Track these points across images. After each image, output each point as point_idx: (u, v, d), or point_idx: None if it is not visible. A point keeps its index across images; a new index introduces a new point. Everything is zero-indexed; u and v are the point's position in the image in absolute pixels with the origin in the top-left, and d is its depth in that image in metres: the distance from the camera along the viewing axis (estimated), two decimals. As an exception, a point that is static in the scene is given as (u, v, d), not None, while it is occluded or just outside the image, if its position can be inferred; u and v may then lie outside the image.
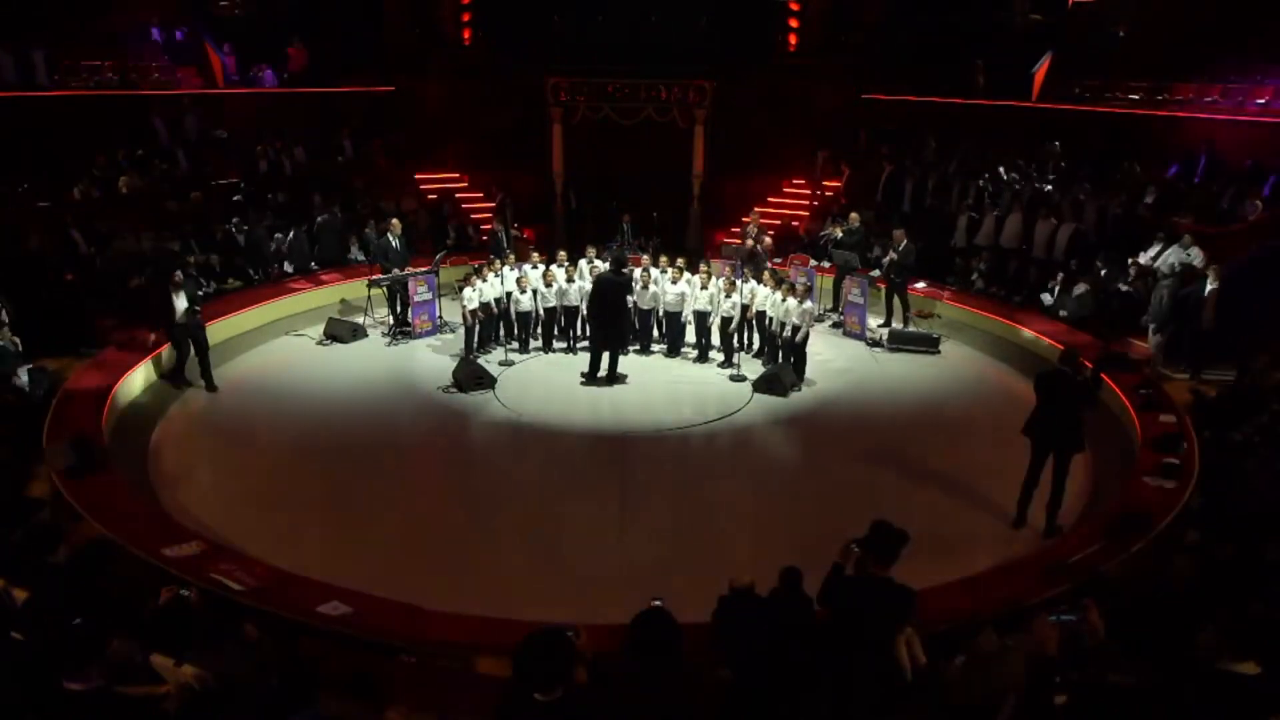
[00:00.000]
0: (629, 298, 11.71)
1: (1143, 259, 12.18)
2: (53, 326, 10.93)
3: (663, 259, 12.72)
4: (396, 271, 13.01)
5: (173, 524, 7.36)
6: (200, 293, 11.36)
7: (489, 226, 14.93)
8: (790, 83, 18.75)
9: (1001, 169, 15.72)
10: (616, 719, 4.52)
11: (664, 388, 11.43)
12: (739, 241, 14.29)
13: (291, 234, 14.81)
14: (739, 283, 11.82)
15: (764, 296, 11.73)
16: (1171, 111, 14.64)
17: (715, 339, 12.24)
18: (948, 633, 5.67)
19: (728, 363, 11.98)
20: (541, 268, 12.52)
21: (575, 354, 12.31)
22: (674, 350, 12.44)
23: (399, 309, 13.21)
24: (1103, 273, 12.58)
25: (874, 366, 12.29)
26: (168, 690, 4.29)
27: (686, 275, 12.14)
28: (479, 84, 18.67)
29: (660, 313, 12.40)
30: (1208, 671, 4.27)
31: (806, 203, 17.94)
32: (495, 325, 12.46)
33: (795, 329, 11.15)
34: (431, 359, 12.27)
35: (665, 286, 12.24)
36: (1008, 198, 14.77)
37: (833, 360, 12.36)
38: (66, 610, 4.41)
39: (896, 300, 13.40)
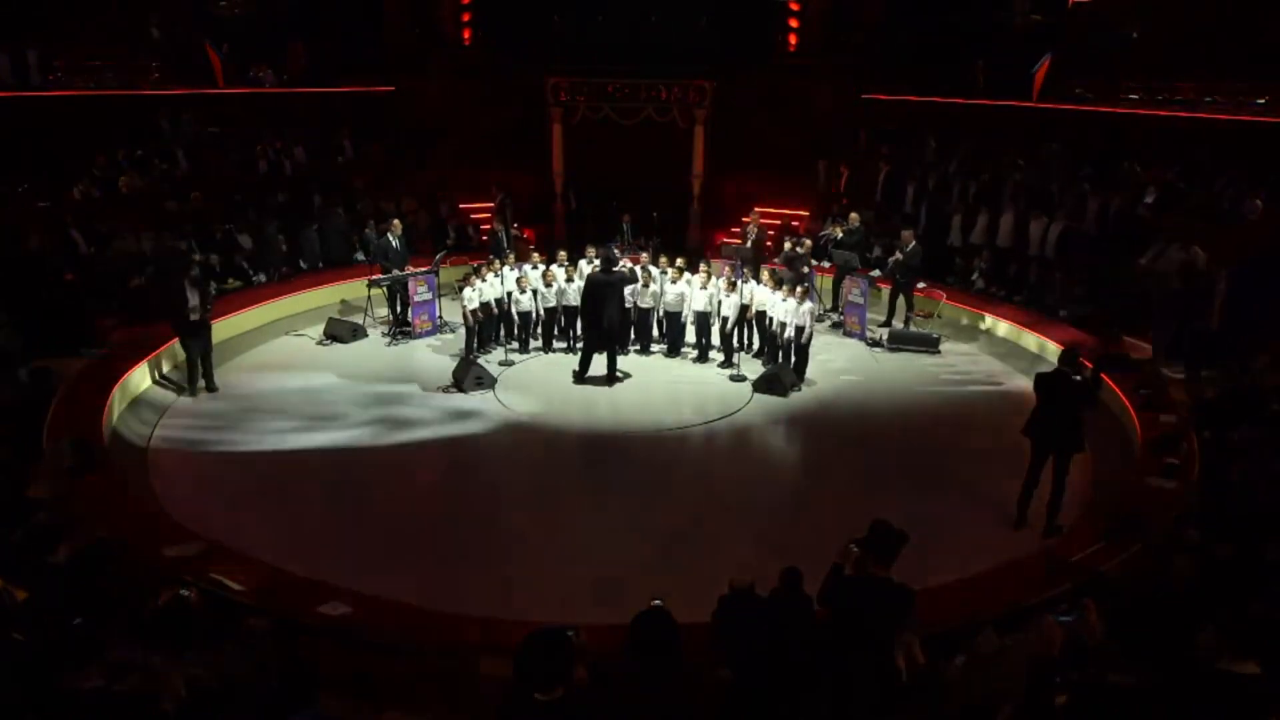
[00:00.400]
0: (627, 292, 11.66)
1: (1144, 259, 12.17)
2: (53, 326, 10.92)
3: (663, 259, 12.73)
4: (396, 271, 13.01)
5: (173, 524, 7.36)
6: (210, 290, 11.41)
7: (489, 226, 14.93)
8: (790, 83, 18.76)
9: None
10: (616, 719, 4.53)
11: (664, 388, 11.43)
12: (739, 241, 14.27)
13: (313, 230, 14.93)
14: (739, 283, 11.82)
15: (764, 296, 11.73)
16: (1172, 111, 14.63)
17: (715, 339, 12.24)
18: (948, 633, 5.67)
19: (728, 363, 11.98)
20: (541, 268, 12.52)
21: (575, 354, 12.27)
22: (674, 350, 12.44)
23: (399, 309, 13.21)
24: (1104, 273, 12.59)
25: (874, 366, 12.29)
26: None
27: (686, 275, 12.14)
28: (479, 84, 18.67)
29: (660, 313, 12.40)
30: (1208, 671, 4.27)
31: (807, 204, 17.93)
32: (495, 325, 12.46)
33: (800, 330, 11.15)
34: (431, 359, 12.27)
35: (665, 286, 12.24)
36: (1006, 196, 14.77)
37: (833, 360, 12.37)
38: (66, 610, 4.41)
39: (899, 300, 13.40)
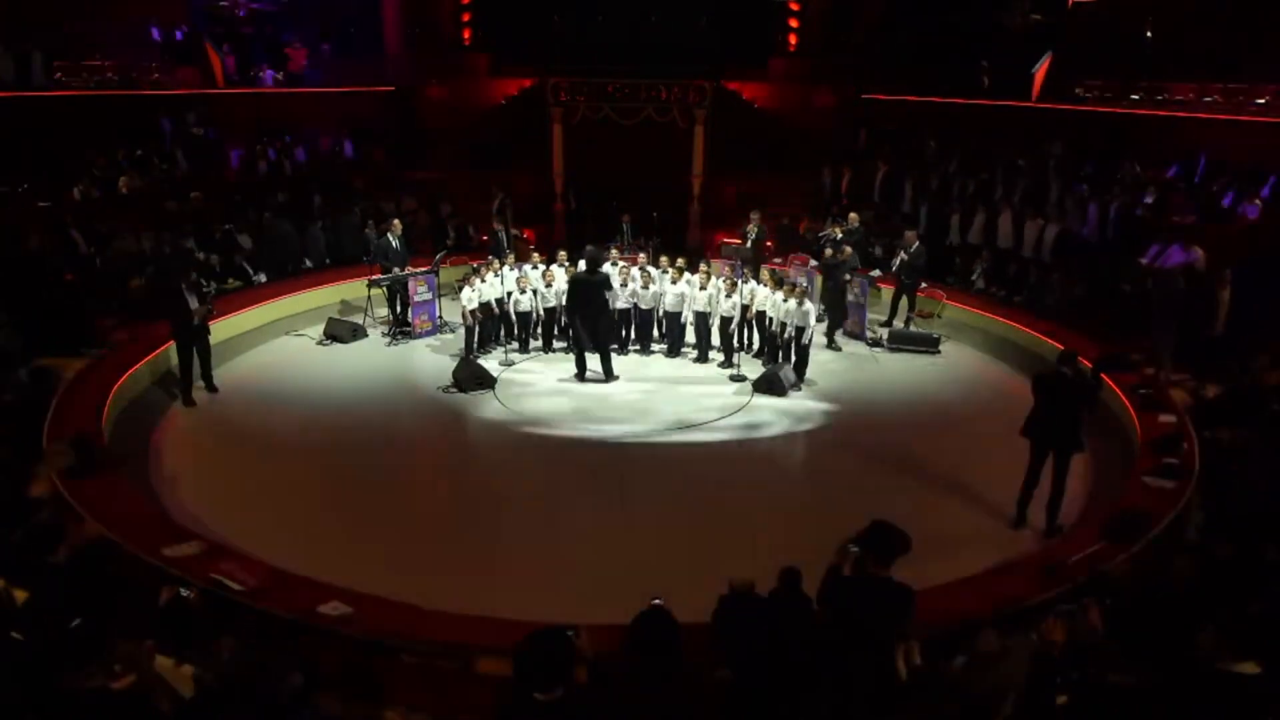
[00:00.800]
0: (609, 295, 11.62)
1: (1144, 260, 12.18)
2: (53, 326, 10.92)
3: (663, 259, 12.73)
4: (396, 271, 13.01)
5: (173, 524, 7.36)
6: (207, 291, 11.41)
7: (491, 226, 14.94)
8: (790, 83, 18.76)
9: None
10: (616, 719, 4.52)
11: (664, 388, 11.43)
12: (739, 242, 14.27)
13: (317, 228, 15.06)
14: (739, 283, 11.82)
15: (764, 296, 11.73)
16: (1172, 111, 14.64)
17: (715, 339, 12.25)
18: (948, 633, 5.67)
19: (728, 363, 11.98)
20: (541, 268, 12.52)
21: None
22: (674, 350, 12.44)
23: (399, 309, 13.21)
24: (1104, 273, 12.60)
25: (874, 367, 12.29)
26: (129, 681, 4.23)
27: (686, 275, 12.14)
28: (479, 84, 18.67)
29: (660, 313, 12.41)
30: (1208, 671, 4.27)
31: (807, 204, 17.93)
32: (495, 325, 12.46)
33: (800, 330, 11.15)
34: (431, 359, 12.27)
35: (665, 286, 12.24)
36: (999, 195, 14.79)
37: (833, 360, 12.36)
38: (66, 610, 4.41)
39: (901, 300, 13.40)
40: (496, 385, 11.25)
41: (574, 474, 9.42)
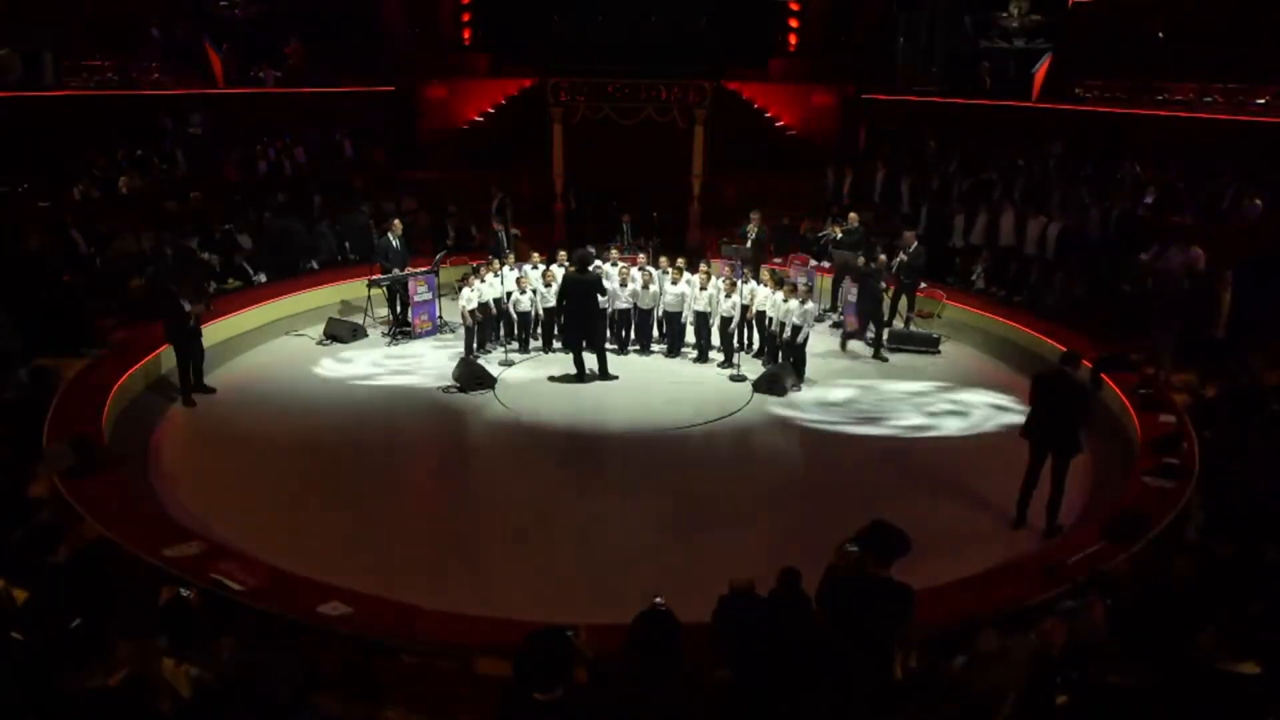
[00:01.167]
0: (605, 295, 11.63)
1: (1144, 259, 12.17)
2: (53, 326, 10.92)
3: (663, 259, 12.73)
4: (396, 271, 13.01)
5: (173, 524, 7.36)
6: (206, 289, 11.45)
7: (491, 226, 14.94)
8: (790, 82, 18.75)
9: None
10: (616, 719, 4.53)
11: (664, 388, 11.43)
12: (739, 242, 14.27)
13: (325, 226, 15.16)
14: (739, 283, 11.82)
15: (764, 296, 11.73)
16: (1172, 111, 14.64)
17: (715, 339, 12.25)
18: (948, 633, 5.67)
19: (728, 363, 11.98)
20: (541, 268, 12.52)
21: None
22: (674, 350, 12.44)
23: (399, 309, 13.21)
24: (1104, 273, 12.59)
25: (874, 366, 12.29)
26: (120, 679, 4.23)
27: (686, 275, 12.14)
28: (479, 84, 18.67)
29: (660, 313, 12.41)
30: (1208, 671, 4.27)
31: (807, 204, 17.94)
32: (495, 325, 12.47)
33: (796, 329, 11.16)
34: (431, 359, 12.27)
35: (665, 286, 12.24)
36: (997, 195, 14.79)
37: (833, 360, 12.36)
38: (66, 610, 4.41)
39: (901, 300, 13.39)
40: (496, 385, 11.24)
41: (574, 474, 9.42)
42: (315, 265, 14.88)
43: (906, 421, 10.54)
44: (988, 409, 10.90)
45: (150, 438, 9.74)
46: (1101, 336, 11.54)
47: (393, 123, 19.40)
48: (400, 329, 13.09)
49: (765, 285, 11.84)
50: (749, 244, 13.75)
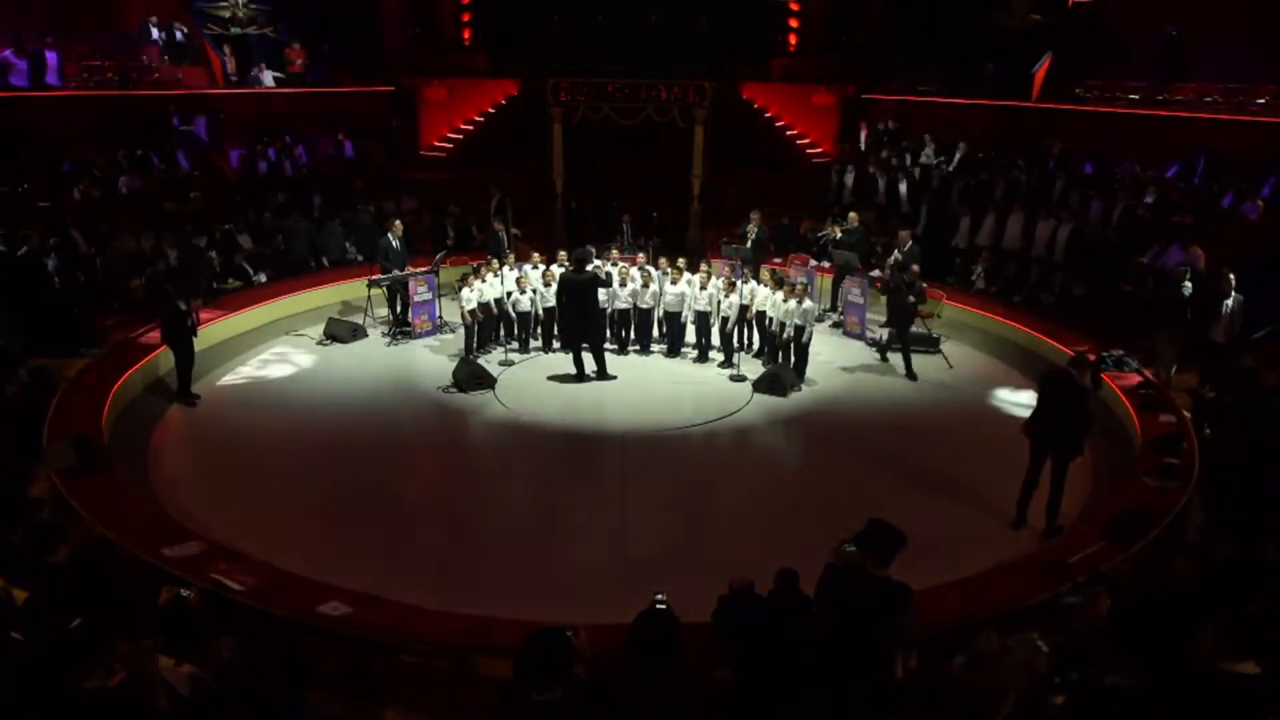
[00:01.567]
0: (603, 294, 11.62)
1: (1145, 260, 12.17)
2: (53, 326, 10.92)
3: (663, 259, 12.73)
4: (396, 271, 13.01)
5: (173, 524, 7.36)
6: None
7: (491, 226, 14.94)
8: (790, 82, 18.75)
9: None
10: (616, 719, 4.52)
11: (664, 388, 11.43)
12: (739, 242, 14.27)
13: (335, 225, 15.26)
14: (739, 283, 11.82)
15: (764, 296, 11.73)
16: (1172, 111, 14.63)
17: (715, 339, 12.24)
18: (948, 633, 5.67)
19: (728, 363, 11.98)
20: (541, 268, 12.52)
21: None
22: (674, 350, 12.44)
23: (399, 309, 13.21)
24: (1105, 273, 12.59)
25: (874, 366, 12.29)
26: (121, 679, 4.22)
27: (686, 275, 12.14)
28: (479, 84, 18.66)
29: (660, 313, 12.41)
30: (1208, 671, 4.27)
31: (807, 204, 17.94)
32: (495, 325, 12.47)
33: (799, 329, 11.15)
34: (431, 359, 12.27)
35: (665, 286, 12.24)
36: (998, 195, 14.77)
37: (833, 360, 12.36)
38: (66, 610, 4.41)
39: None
40: (496, 385, 11.24)
41: (574, 474, 9.42)
42: (326, 263, 14.98)
43: (906, 422, 10.54)
44: (986, 409, 10.90)
45: (150, 438, 9.74)
46: (1102, 336, 11.55)
47: (393, 123, 19.38)
48: (400, 329, 13.09)
49: (765, 285, 11.84)
50: (749, 244, 13.76)
